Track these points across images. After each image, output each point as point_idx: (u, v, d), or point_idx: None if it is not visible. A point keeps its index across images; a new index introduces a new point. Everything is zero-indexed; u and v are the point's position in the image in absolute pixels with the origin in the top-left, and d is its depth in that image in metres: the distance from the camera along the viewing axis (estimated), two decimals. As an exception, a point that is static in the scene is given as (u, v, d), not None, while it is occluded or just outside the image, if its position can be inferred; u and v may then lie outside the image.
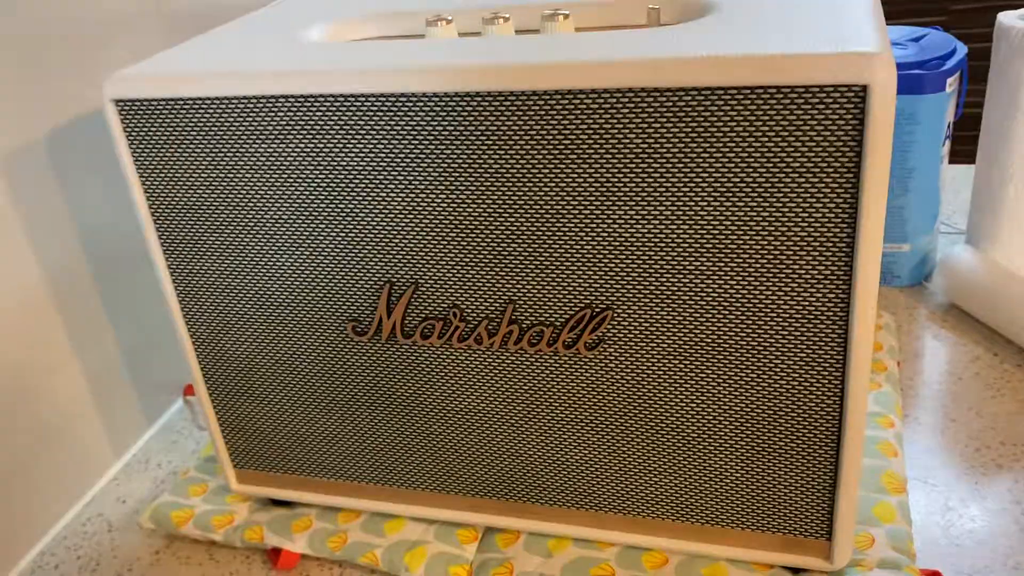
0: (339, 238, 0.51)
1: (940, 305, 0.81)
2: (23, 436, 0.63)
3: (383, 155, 0.48)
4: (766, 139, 0.42)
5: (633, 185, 0.45)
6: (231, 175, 0.51)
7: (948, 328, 0.77)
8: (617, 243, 0.47)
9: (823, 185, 0.42)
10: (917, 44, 0.80)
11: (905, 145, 0.77)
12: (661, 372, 0.50)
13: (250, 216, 0.52)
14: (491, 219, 0.48)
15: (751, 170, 0.43)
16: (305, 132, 0.48)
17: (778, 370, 0.48)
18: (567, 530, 0.57)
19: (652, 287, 0.47)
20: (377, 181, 0.49)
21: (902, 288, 0.84)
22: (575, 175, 0.45)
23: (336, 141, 0.48)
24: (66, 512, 0.67)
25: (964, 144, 1.03)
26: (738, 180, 0.43)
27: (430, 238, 0.50)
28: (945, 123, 0.77)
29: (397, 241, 0.50)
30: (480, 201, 0.48)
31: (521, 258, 0.49)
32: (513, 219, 0.48)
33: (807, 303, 0.45)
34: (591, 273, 0.48)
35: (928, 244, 0.82)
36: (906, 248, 0.82)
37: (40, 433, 0.65)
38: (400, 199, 0.49)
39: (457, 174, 0.47)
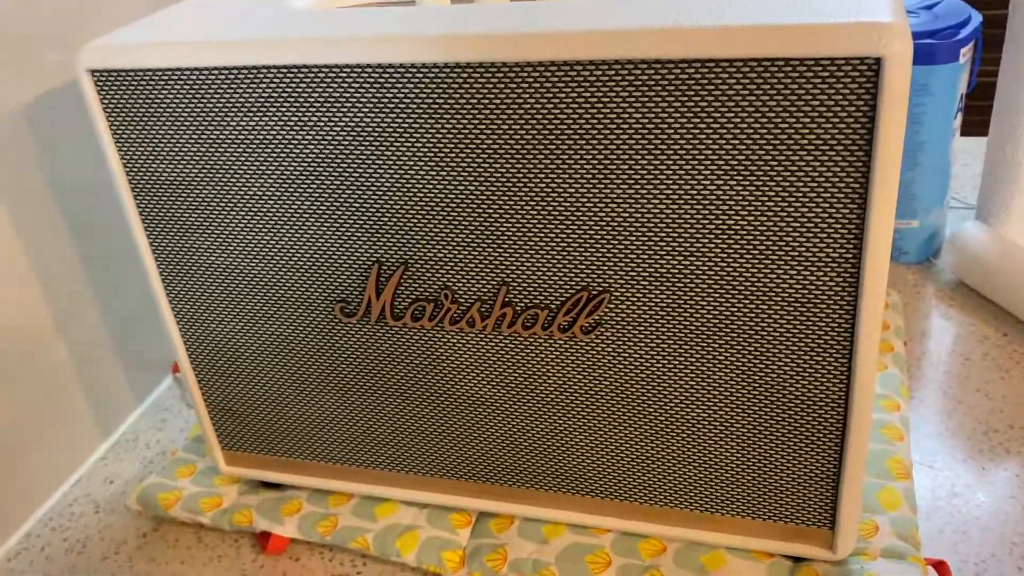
0: (326, 215, 0.49)
1: (948, 283, 0.79)
2: (7, 414, 0.62)
3: (371, 129, 0.46)
4: (773, 114, 0.40)
5: (634, 162, 0.43)
6: (213, 149, 0.49)
7: (956, 307, 0.75)
8: (616, 223, 0.44)
9: (832, 163, 0.40)
10: (930, 12, 0.77)
11: (916, 117, 0.74)
12: (661, 357, 0.48)
13: (233, 192, 0.50)
14: (484, 197, 0.46)
15: (757, 146, 0.40)
16: (290, 104, 0.46)
17: (783, 354, 0.46)
18: (562, 516, 0.56)
19: (652, 269, 0.45)
20: (365, 156, 0.47)
21: (909, 265, 0.82)
22: (573, 151, 0.43)
23: (322, 114, 0.46)
24: (52, 493, 0.66)
25: (977, 115, 1.00)
26: (744, 157, 0.41)
27: (420, 216, 0.48)
28: (958, 95, 0.74)
29: (386, 219, 0.48)
30: (473, 178, 0.45)
31: (515, 238, 0.47)
32: (507, 197, 0.45)
33: (814, 285, 0.43)
34: (588, 254, 0.46)
35: (937, 220, 0.80)
36: (914, 224, 0.80)
37: (24, 411, 0.63)
38: (389, 175, 0.47)
39: (449, 149, 0.45)
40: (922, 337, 0.72)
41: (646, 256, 0.45)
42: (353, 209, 0.48)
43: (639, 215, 0.44)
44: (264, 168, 0.49)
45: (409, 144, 0.45)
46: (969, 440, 0.62)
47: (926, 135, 0.75)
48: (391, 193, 0.47)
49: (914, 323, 0.74)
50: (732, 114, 0.40)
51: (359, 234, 0.49)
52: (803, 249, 0.42)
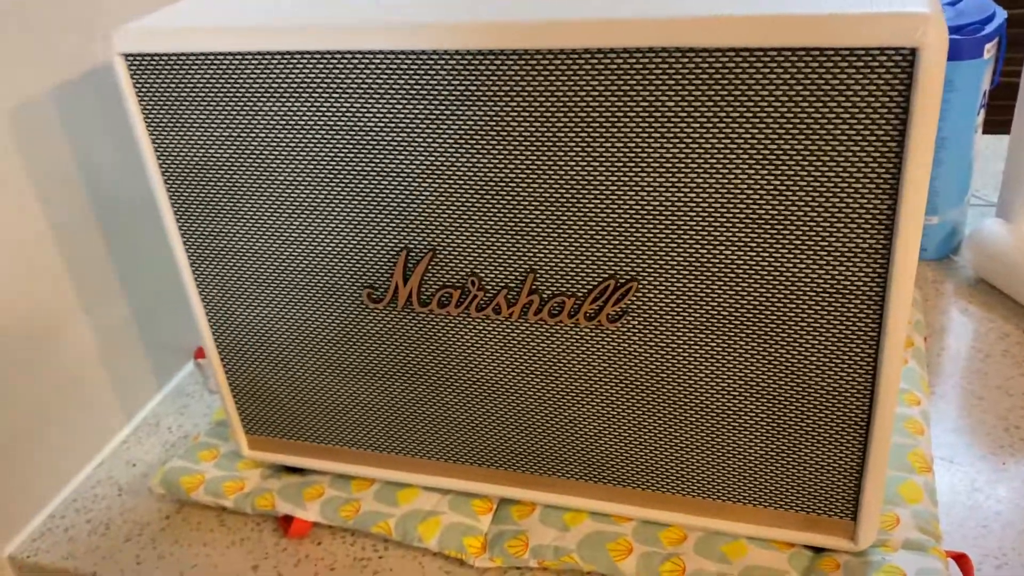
0: (356, 201, 0.50)
1: (968, 279, 0.79)
2: (32, 396, 0.62)
3: (403, 115, 0.46)
4: (807, 104, 0.40)
5: (664, 151, 0.43)
6: (244, 134, 0.49)
7: (976, 303, 0.75)
8: (645, 211, 0.45)
9: (865, 154, 0.40)
10: (954, 8, 0.77)
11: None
12: (687, 346, 0.48)
13: (263, 177, 0.51)
14: (513, 184, 0.46)
15: (790, 136, 0.41)
16: (322, 91, 0.47)
17: (810, 345, 0.46)
18: (584, 503, 0.56)
19: (680, 258, 0.45)
20: (396, 142, 0.47)
21: (929, 261, 0.82)
22: (603, 139, 0.43)
23: (354, 100, 0.46)
24: (76, 474, 0.67)
25: (999, 114, 1.00)
26: (776, 146, 0.41)
27: (449, 203, 0.48)
28: (981, 91, 0.74)
29: (415, 206, 0.49)
30: (502, 165, 0.46)
31: (544, 225, 0.47)
32: (536, 184, 0.46)
33: (843, 277, 0.43)
34: (617, 242, 0.46)
35: (958, 216, 0.80)
36: (935, 220, 0.80)
37: (49, 394, 0.64)
38: (420, 162, 0.47)
39: (479, 136, 0.45)
40: (941, 333, 0.72)
41: (675, 245, 0.45)
42: (382, 195, 0.49)
43: (669, 204, 0.44)
44: (295, 154, 0.49)
45: (439, 131, 0.46)
46: (989, 436, 0.62)
47: (948, 131, 0.75)
48: (420, 179, 0.48)
49: (933, 319, 0.74)
50: (765, 103, 0.40)
51: (388, 220, 0.50)
52: (833, 240, 0.43)
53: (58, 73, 0.62)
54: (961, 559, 0.51)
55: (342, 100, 0.46)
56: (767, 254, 0.44)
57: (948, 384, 0.67)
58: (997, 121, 0.98)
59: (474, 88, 0.44)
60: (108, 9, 0.65)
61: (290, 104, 0.48)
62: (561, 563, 0.54)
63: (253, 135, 0.49)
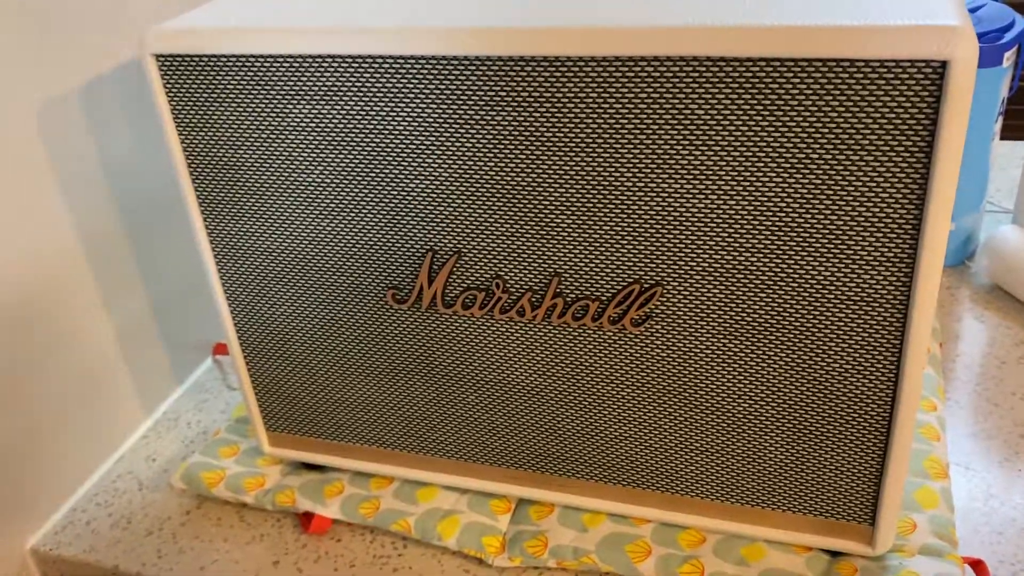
0: (382, 203, 0.50)
1: (983, 286, 0.79)
2: (53, 391, 0.63)
3: (431, 119, 0.46)
4: (836, 114, 0.40)
5: (692, 157, 0.43)
6: (274, 135, 0.50)
7: (992, 310, 0.76)
8: (671, 217, 0.45)
9: (893, 164, 0.40)
10: (974, 15, 0.77)
11: (957, 121, 0.74)
12: (710, 350, 0.49)
13: (291, 178, 0.51)
14: (540, 188, 0.47)
15: (818, 145, 0.41)
16: (352, 94, 0.47)
17: (833, 351, 0.46)
18: (603, 505, 0.56)
19: (706, 263, 0.46)
20: (424, 146, 0.47)
21: (944, 268, 0.82)
22: (632, 145, 0.44)
23: (384, 104, 0.47)
24: (97, 468, 0.67)
25: (1016, 119, 1.00)
26: (803, 156, 0.42)
27: (476, 206, 0.48)
28: (999, 99, 0.74)
29: (441, 208, 0.49)
30: (529, 169, 0.46)
31: (569, 229, 0.47)
32: (563, 189, 0.46)
33: (868, 284, 0.44)
34: (642, 247, 0.47)
35: (973, 223, 0.80)
36: (950, 227, 0.80)
37: (70, 389, 0.64)
38: (447, 165, 0.48)
39: (507, 140, 0.46)
40: (956, 340, 0.73)
41: (700, 250, 0.46)
42: (409, 198, 0.49)
43: (695, 210, 0.45)
44: (323, 156, 0.50)
45: (467, 135, 0.46)
46: (1005, 443, 0.62)
47: (966, 138, 0.75)
48: (448, 182, 0.48)
49: (948, 326, 0.74)
50: (795, 112, 0.41)
51: (414, 222, 0.50)
52: (859, 248, 0.43)
53: (83, 72, 0.62)
54: (977, 565, 0.52)
55: (371, 104, 0.47)
56: (792, 261, 0.44)
57: (963, 391, 0.67)
58: (1014, 126, 0.98)
59: (503, 94, 0.44)
60: (132, 7, 0.66)
61: (320, 107, 0.48)
62: (580, 564, 0.54)
63: (282, 137, 0.50)
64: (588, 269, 0.48)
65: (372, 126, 0.48)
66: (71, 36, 0.61)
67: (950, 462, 0.61)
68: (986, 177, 0.78)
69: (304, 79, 0.47)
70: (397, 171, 0.49)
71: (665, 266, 0.47)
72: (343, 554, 0.58)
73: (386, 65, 0.46)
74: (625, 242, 0.47)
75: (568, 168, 0.45)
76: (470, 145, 0.46)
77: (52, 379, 0.63)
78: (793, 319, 0.46)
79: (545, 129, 0.45)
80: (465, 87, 0.45)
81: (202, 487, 0.62)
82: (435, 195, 0.49)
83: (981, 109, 0.74)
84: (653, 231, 0.46)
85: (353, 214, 0.51)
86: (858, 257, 0.43)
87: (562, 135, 0.45)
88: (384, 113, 0.47)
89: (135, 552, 0.60)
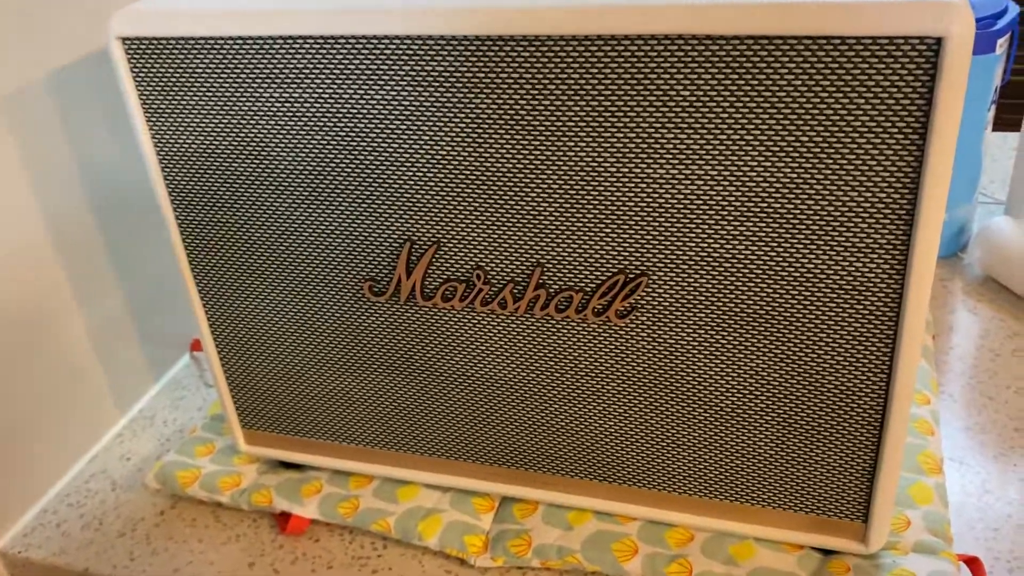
0: (357, 191, 0.48)
1: (976, 278, 0.78)
2: (25, 390, 0.61)
3: (406, 102, 0.45)
4: (827, 94, 0.38)
5: (678, 141, 0.42)
6: (244, 120, 0.48)
7: (985, 302, 0.74)
8: (657, 204, 0.43)
9: (886, 146, 0.39)
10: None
11: (949, 109, 0.73)
12: (697, 343, 0.47)
13: (264, 165, 0.49)
14: (520, 175, 0.45)
15: (809, 127, 0.39)
16: (324, 76, 0.45)
17: (825, 343, 0.45)
18: (588, 503, 0.55)
19: (692, 252, 0.44)
20: (400, 130, 0.46)
21: (937, 259, 0.80)
22: (615, 128, 0.42)
23: (357, 86, 0.45)
24: (69, 469, 0.65)
25: (1008, 112, 0.99)
26: (794, 137, 0.40)
27: (454, 194, 0.47)
28: (992, 87, 0.73)
29: (419, 196, 0.47)
30: (509, 155, 0.45)
31: (552, 218, 0.46)
32: (544, 175, 0.44)
33: (860, 274, 0.42)
34: (626, 236, 0.45)
35: (966, 214, 0.79)
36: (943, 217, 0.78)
37: (42, 387, 0.62)
38: (424, 151, 0.46)
39: (486, 125, 0.44)
40: (949, 332, 0.71)
41: (687, 239, 0.44)
42: (386, 185, 0.48)
43: (681, 196, 0.43)
44: (296, 142, 0.48)
45: (445, 119, 0.44)
46: (1000, 437, 0.61)
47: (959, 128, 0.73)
48: (425, 169, 0.46)
49: (941, 317, 0.73)
50: (784, 93, 0.39)
51: (391, 211, 0.48)
52: (851, 235, 0.41)
53: (54, 61, 0.60)
54: (973, 562, 0.51)
55: (345, 86, 0.45)
56: (782, 249, 0.43)
57: (957, 384, 0.66)
58: (1006, 119, 0.97)
59: (481, 76, 0.43)
60: (105, -7, 0.64)
61: (292, 90, 0.46)
62: (565, 563, 0.53)
63: (253, 122, 0.48)
64: (571, 259, 0.47)
65: (345, 110, 0.46)
66: (42, 24, 0.59)
67: (944, 457, 0.59)
68: (979, 167, 0.77)
69: (273, 61, 0.46)
70: (372, 157, 0.47)
71: (651, 256, 0.45)
72: (321, 555, 0.57)
73: (358, 47, 0.44)
74: (609, 231, 0.45)
75: (550, 153, 0.44)
76: (447, 130, 0.45)
77: (24, 377, 0.61)
78: (783, 310, 0.45)
79: (525, 112, 0.43)
80: (441, 69, 0.43)
81: (176, 487, 0.61)
82: (412, 182, 0.47)
83: (974, 97, 0.72)
84: (638, 219, 0.44)
85: (327, 202, 0.49)
86: (850, 244, 0.42)
87: (542, 118, 0.43)
88: (357, 97, 0.45)
89: (107, 554, 0.58)
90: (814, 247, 0.42)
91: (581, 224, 0.45)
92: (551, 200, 0.45)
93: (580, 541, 0.53)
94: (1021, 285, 0.73)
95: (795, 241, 0.42)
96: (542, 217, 0.46)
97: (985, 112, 0.74)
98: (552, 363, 0.50)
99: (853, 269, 0.42)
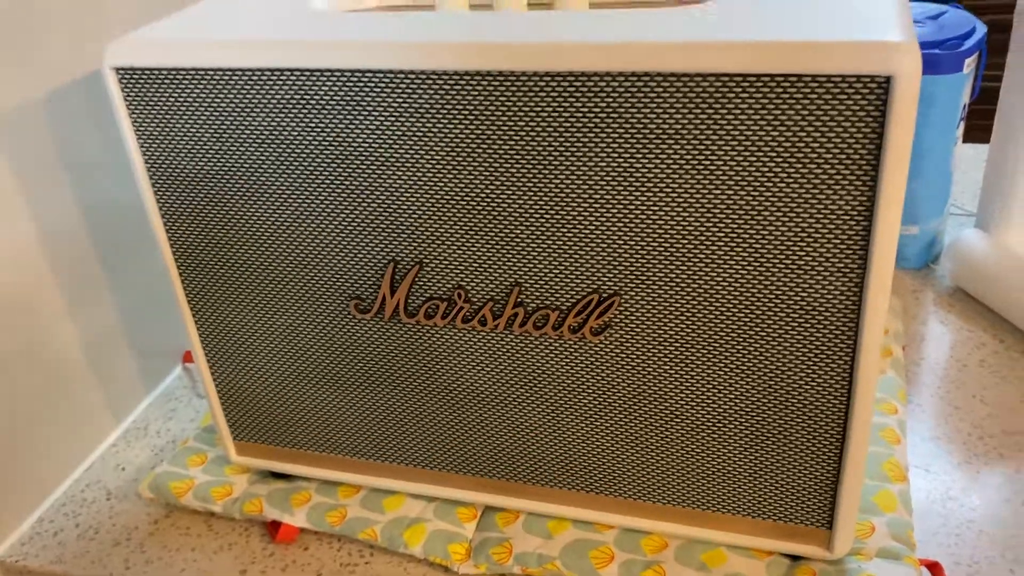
0: (343, 215, 0.50)
1: (947, 289, 0.80)
2: (20, 400, 0.63)
3: (390, 132, 0.47)
4: (784, 128, 0.41)
5: (646, 171, 0.44)
6: (234, 147, 0.50)
7: (955, 313, 0.77)
8: (628, 228, 0.46)
9: (841, 177, 0.41)
10: (935, 22, 0.78)
11: (918, 127, 0.75)
12: (667, 359, 0.49)
13: (252, 190, 0.51)
14: (499, 200, 0.47)
15: (767, 159, 0.42)
16: (311, 106, 0.47)
17: (787, 358, 0.47)
18: (566, 511, 0.57)
19: (662, 273, 0.46)
20: (383, 158, 0.48)
21: (909, 271, 0.83)
22: (587, 158, 0.44)
23: (342, 116, 0.47)
24: (65, 479, 0.67)
25: (979, 119, 1.01)
26: (754, 168, 0.42)
27: (436, 217, 0.49)
28: (961, 104, 0.75)
29: (402, 219, 0.49)
30: (488, 181, 0.47)
31: (529, 240, 0.48)
32: (522, 201, 0.47)
33: (819, 294, 0.45)
34: (600, 258, 0.47)
35: (937, 227, 0.81)
36: (914, 231, 0.81)
37: (37, 398, 0.64)
38: (407, 177, 0.48)
39: (466, 154, 0.46)
40: (920, 342, 0.74)
41: (657, 261, 0.46)
42: (371, 209, 0.50)
43: (651, 221, 0.45)
44: (284, 167, 0.50)
45: (427, 148, 0.47)
46: (964, 445, 0.63)
47: (929, 144, 0.76)
48: (408, 194, 0.48)
49: (912, 328, 0.75)
50: (744, 127, 0.41)
51: (375, 233, 0.50)
52: (810, 259, 0.44)
53: (48, 77, 0.62)
54: (934, 567, 0.53)
55: (331, 116, 0.47)
56: (747, 271, 0.45)
57: (925, 394, 0.68)
58: (978, 126, 0.99)
59: (461, 107, 0.45)
60: (99, 14, 0.66)
61: (280, 119, 0.48)
62: (544, 570, 0.55)
63: (242, 148, 0.50)
64: (548, 279, 0.49)
65: (331, 138, 0.48)
66: (38, 40, 0.60)
67: (910, 464, 0.62)
68: (949, 181, 0.79)
69: (261, 91, 0.48)
70: (357, 183, 0.49)
71: (622, 276, 0.47)
72: (310, 562, 0.59)
73: (343, 79, 0.46)
74: (583, 253, 0.47)
75: (526, 180, 0.46)
76: (429, 157, 0.47)
77: (19, 388, 0.63)
78: (748, 328, 0.47)
79: (503, 143, 0.45)
80: (422, 100, 0.45)
81: (170, 496, 0.62)
82: (396, 206, 0.49)
83: (943, 115, 0.75)
84: (610, 242, 0.46)
85: (314, 225, 0.51)
86: (810, 268, 0.44)
87: (519, 147, 0.45)
88: (343, 126, 0.47)
89: (102, 563, 0.60)
90: (776, 270, 0.45)
91: (556, 246, 0.47)
92: (527, 224, 0.47)
93: (559, 549, 0.56)
94: (989, 297, 0.76)
95: (758, 264, 0.45)
96: (519, 239, 0.48)
97: (955, 129, 0.76)
98: (531, 378, 0.53)
99: (813, 291, 0.45)
